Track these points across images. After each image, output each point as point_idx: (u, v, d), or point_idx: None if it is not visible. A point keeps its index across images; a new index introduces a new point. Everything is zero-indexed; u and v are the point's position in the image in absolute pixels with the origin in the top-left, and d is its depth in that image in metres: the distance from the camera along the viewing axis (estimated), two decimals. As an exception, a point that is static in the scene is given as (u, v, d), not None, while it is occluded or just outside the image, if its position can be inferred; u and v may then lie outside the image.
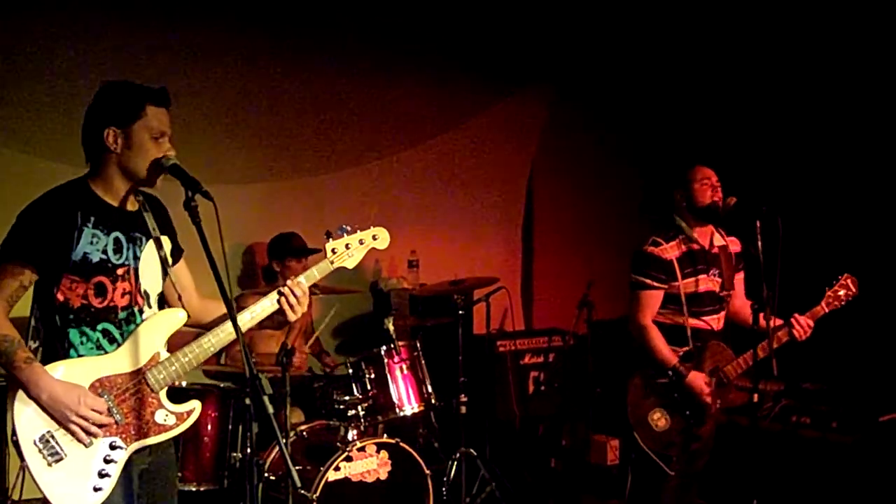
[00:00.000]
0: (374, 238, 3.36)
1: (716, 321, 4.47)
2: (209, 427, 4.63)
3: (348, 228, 3.31)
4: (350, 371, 4.96)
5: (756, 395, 4.34)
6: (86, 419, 2.84)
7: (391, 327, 4.99)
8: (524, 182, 7.82)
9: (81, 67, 5.44)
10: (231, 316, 2.84)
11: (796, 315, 4.33)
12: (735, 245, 4.57)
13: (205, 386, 4.80)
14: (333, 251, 3.26)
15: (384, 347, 4.98)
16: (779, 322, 4.28)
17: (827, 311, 4.39)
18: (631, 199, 7.63)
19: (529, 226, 7.90)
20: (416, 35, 6.55)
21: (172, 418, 3.05)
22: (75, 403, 2.83)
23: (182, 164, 3.00)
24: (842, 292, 4.41)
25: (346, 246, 3.28)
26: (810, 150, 6.77)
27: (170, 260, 3.19)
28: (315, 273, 3.24)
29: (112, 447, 2.92)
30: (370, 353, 5.01)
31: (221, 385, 4.75)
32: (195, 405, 3.11)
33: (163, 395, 3.03)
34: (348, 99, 6.62)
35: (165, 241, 3.19)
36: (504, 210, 7.73)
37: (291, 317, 3.16)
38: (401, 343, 5.02)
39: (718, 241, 4.49)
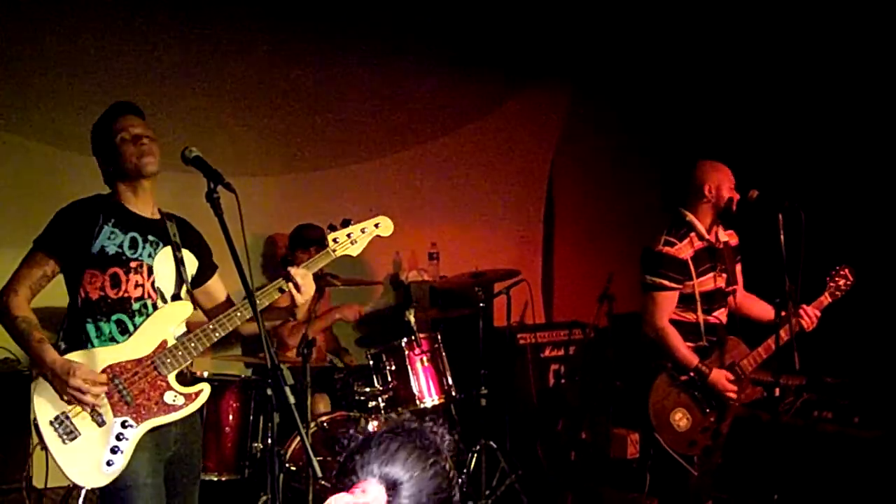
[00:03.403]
0: (376, 226, 3.51)
1: (723, 315, 4.48)
2: (231, 417, 4.67)
3: (352, 221, 3.47)
4: (371, 362, 4.98)
5: (777, 389, 4.36)
6: (78, 388, 3.06)
7: (412, 319, 5.00)
8: (545, 175, 7.81)
9: (103, 60, 5.48)
10: (252, 303, 2.92)
11: (804, 306, 4.37)
12: (733, 238, 4.55)
13: (226, 377, 4.83)
14: (335, 241, 3.43)
15: (405, 339, 5.00)
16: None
17: (830, 301, 4.46)
18: (651, 193, 7.59)
19: (550, 218, 7.89)
20: (437, 28, 6.55)
21: (181, 399, 3.25)
22: (66, 374, 3.06)
23: (204, 156, 3.05)
24: (841, 282, 4.48)
25: (348, 235, 3.45)
26: (828, 145, 6.72)
27: (189, 273, 3.42)
28: (318, 262, 3.40)
29: (124, 426, 3.15)
30: (391, 344, 5.02)
31: (243, 375, 4.78)
32: (204, 387, 3.32)
33: (171, 378, 3.25)
34: (369, 92, 6.63)
35: (188, 254, 3.42)
36: (524, 203, 7.73)
37: (299, 299, 3.30)
38: (421, 335, 5.03)
39: (722, 236, 4.47)
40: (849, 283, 4.49)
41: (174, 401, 3.23)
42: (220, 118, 5.91)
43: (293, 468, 4.64)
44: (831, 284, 4.47)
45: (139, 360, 3.21)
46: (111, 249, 3.22)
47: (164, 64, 5.69)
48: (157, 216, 3.39)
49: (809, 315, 4.37)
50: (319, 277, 5.15)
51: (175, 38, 5.71)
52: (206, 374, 4.60)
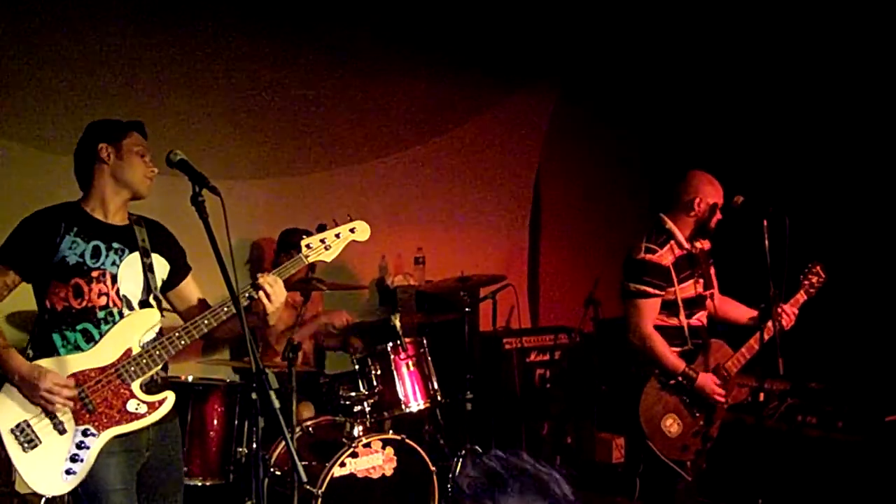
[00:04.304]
0: (351, 231, 3.48)
1: (704, 318, 4.51)
2: (215, 422, 4.65)
3: (327, 226, 3.45)
4: (356, 367, 4.96)
5: (762, 394, 4.39)
6: (49, 391, 3.06)
7: (398, 324, 5.00)
8: (531, 179, 7.82)
9: (90, 62, 5.45)
10: (237, 308, 2.91)
11: (781, 304, 4.41)
12: (706, 243, 4.57)
13: (211, 381, 4.81)
14: (308, 247, 3.40)
15: (390, 344, 4.99)
16: (755, 313, 4.52)
17: (806, 298, 4.55)
18: (638, 197, 7.62)
19: (536, 223, 7.90)
20: (423, 32, 6.55)
21: (144, 407, 3.23)
22: (36, 378, 3.07)
23: (190, 159, 3.05)
24: (814, 279, 4.57)
25: (322, 241, 3.42)
26: (814, 149, 6.77)
27: (159, 277, 3.40)
28: (289, 268, 3.36)
29: (85, 434, 3.14)
30: (376, 349, 5.01)
31: (227, 380, 4.77)
32: (167, 395, 3.29)
33: (135, 386, 3.23)
34: (356, 96, 6.62)
35: (158, 258, 3.40)
36: (511, 207, 7.74)
37: (269, 307, 3.25)
38: (407, 340, 5.02)
39: (697, 242, 4.49)
40: (821, 279, 4.57)
41: (137, 409, 3.22)
42: (206, 122, 5.88)
43: (278, 473, 4.62)
44: (805, 282, 4.55)
45: (103, 369, 3.19)
46: (72, 260, 3.21)
47: (150, 68, 5.67)
48: (126, 222, 3.37)
49: (788, 313, 4.44)
50: (306, 282, 5.15)
51: (161, 43, 5.68)
52: (190, 379, 4.61)
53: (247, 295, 3.24)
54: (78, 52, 5.42)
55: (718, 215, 4.38)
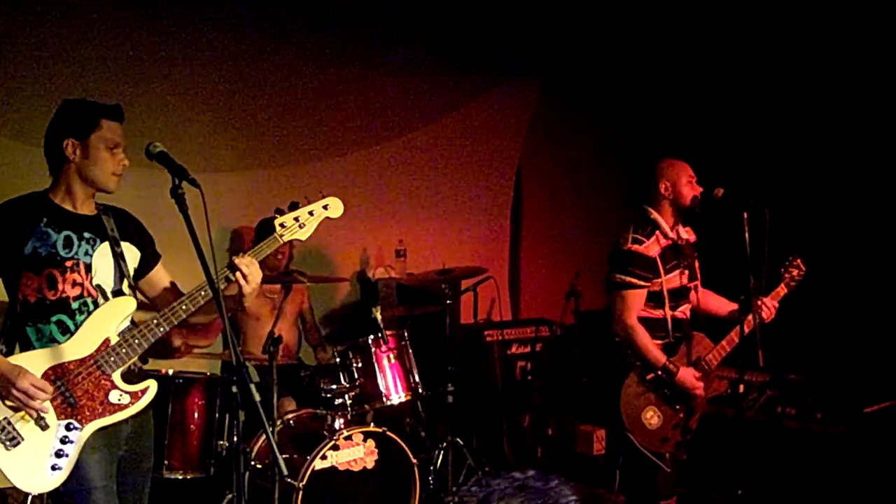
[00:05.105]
0: (325, 208, 3.41)
1: (688, 310, 4.53)
2: (196, 415, 4.63)
3: (299, 203, 3.38)
4: (337, 360, 4.96)
5: (741, 386, 4.41)
6: (24, 392, 2.97)
7: (379, 316, 4.99)
8: (512, 172, 7.82)
9: (74, 56, 5.40)
10: (217, 301, 2.90)
11: (762, 297, 4.42)
12: (691, 235, 4.58)
13: (191, 374, 4.80)
14: (282, 225, 3.34)
15: (372, 336, 4.98)
16: (735, 306, 4.49)
17: (787, 291, 4.55)
18: (618, 190, 7.63)
19: (517, 215, 7.91)
20: (404, 25, 6.53)
21: (127, 398, 3.18)
22: (14, 377, 2.98)
23: (170, 152, 3.03)
24: (795, 272, 4.58)
25: (296, 219, 3.35)
26: (794, 142, 6.80)
27: (130, 266, 3.32)
28: (264, 248, 3.30)
29: (68, 428, 3.08)
30: (357, 342, 5.00)
31: (208, 373, 4.75)
32: (150, 384, 3.25)
33: (116, 376, 3.17)
34: (336, 88, 6.59)
35: (128, 247, 3.32)
36: (492, 199, 7.74)
37: (247, 289, 3.19)
38: (388, 332, 5.01)
39: (682, 233, 4.50)
40: (801, 272, 4.59)
41: (119, 400, 3.16)
42: (186, 114, 5.85)
43: (259, 466, 4.62)
44: (786, 275, 4.57)
45: (82, 361, 3.12)
46: (44, 251, 3.13)
47: (131, 59, 5.63)
48: (94, 212, 3.29)
49: (768, 306, 4.45)
50: (287, 274, 5.13)
51: (143, 34, 5.64)
52: (170, 372, 4.60)
53: (223, 277, 3.17)
54: (57, 44, 5.38)
55: (695, 190, 4.37)
